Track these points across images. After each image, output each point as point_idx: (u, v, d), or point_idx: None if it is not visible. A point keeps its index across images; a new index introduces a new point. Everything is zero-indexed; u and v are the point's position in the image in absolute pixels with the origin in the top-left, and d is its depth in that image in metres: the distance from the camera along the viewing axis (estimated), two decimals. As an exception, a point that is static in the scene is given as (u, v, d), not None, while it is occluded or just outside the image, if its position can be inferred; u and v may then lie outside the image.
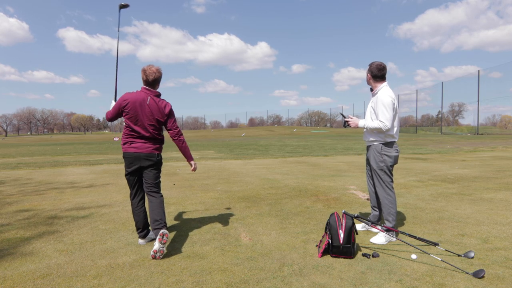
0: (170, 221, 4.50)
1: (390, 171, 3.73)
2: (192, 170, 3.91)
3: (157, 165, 3.68)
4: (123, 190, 6.63)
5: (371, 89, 3.81)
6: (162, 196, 3.70)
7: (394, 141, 3.72)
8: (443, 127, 45.46)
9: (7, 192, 6.76)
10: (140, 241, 3.63)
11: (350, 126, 3.76)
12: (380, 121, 3.56)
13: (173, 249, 3.47)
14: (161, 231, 3.29)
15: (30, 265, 3.08)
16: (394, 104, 3.58)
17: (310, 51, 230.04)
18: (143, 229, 3.65)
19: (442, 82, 42.76)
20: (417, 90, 49.03)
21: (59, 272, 2.94)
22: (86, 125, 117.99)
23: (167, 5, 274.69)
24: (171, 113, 3.66)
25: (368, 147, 3.85)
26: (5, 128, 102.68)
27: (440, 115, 48.58)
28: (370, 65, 3.75)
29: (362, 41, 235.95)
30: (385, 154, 3.66)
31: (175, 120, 3.72)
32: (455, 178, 7.61)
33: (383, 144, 3.67)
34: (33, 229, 4.17)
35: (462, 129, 45.85)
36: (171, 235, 3.92)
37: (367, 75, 3.77)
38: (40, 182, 8.04)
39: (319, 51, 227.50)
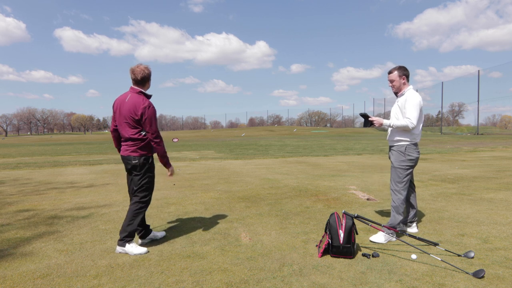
0: (170, 221, 4.51)
1: (410, 172, 3.74)
2: (169, 175, 3.83)
3: (137, 169, 3.46)
4: (123, 190, 6.63)
5: (396, 93, 3.84)
6: (141, 203, 3.49)
7: (417, 142, 3.77)
8: (443, 127, 45.48)
9: (7, 192, 6.76)
10: (140, 241, 3.63)
11: (374, 126, 3.76)
12: (407, 118, 3.59)
13: (173, 249, 3.47)
14: (117, 249, 3.35)
15: (30, 265, 3.08)
16: (421, 105, 3.66)
17: (309, 50, 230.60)
18: (140, 230, 3.64)
19: (442, 82, 42.88)
20: (417, 90, 48.96)
21: (59, 272, 2.94)
22: (86, 125, 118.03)
23: (164, 4, 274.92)
24: (145, 112, 3.36)
25: (391, 147, 3.85)
26: (5, 128, 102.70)
27: (440, 115, 48.61)
28: (399, 68, 3.75)
29: (361, 41, 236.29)
30: (408, 155, 3.69)
31: (152, 121, 3.41)
32: (455, 178, 7.61)
33: (407, 145, 3.69)
34: (33, 229, 4.17)
35: (462, 129, 45.90)
36: (171, 234, 3.92)
37: (402, 78, 3.73)
38: (40, 182, 8.04)
39: (318, 51, 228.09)
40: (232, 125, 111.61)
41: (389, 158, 3.94)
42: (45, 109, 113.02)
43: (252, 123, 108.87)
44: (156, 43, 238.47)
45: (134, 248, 3.34)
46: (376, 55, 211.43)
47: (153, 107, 3.47)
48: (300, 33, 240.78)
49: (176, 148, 21.46)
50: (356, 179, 7.64)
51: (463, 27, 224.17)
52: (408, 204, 3.96)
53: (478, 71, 36.45)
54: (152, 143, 3.49)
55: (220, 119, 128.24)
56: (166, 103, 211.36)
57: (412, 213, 3.98)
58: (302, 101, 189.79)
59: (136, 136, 3.43)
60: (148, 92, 3.60)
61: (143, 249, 3.37)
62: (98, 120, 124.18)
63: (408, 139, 3.69)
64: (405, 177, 3.73)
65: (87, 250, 3.44)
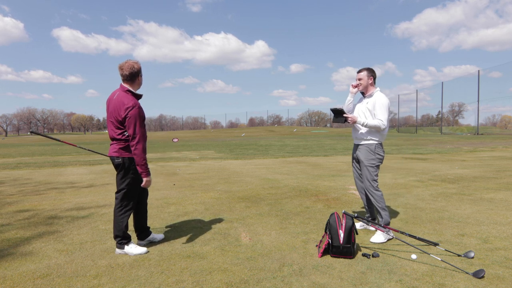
0: (170, 221, 4.51)
1: (378, 170, 3.88)
2: (142, 185, 3.39)
3: (119, 169, 3.38)
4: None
5: (363, 93, 3.97)
6: (123, 206, 3.39)
7: (382, 143, 3.92)
8: (443, 127, 45.50)
9: (7, 192, 6.76)
10: (139, 242, 3.63)
11: (349, 122, 3.82)
12: (379, 119, 3.73)
13: (173, 249, 3.47)
14: (116, 251, 3.34)
15: (30, 265, 3.08)
16: (389, 107, 3.83)
17: (309, 50, 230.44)
18: (139, 232, 3.64)
19: (442, 82, 42.90)
20: (417, 90, 49.12)
21: (59, 272, 2.94)
22: (86, 125, 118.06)
23: (162, 3, 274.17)
24: (128, 112, 3.19)
25: (358, 146, 3.94)
26: (5, 128, 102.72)
27: (440, 115, 48.65)
28: (369, 69, 3.91)
29: (360, 41, 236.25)
30: (377, 153, 3.83)
31: (132, 124, 3.19)
32: (455, 178, 7.61)
33: (376, 144, 3.83)
34: (33, 229, 4.17)
35: (462, 129, 45.93)
36: (172, 234, 3.92)
37: (370, 78, 3.89)
38: (40, 182, 8.04)
39: (318, 51, 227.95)
40: (232, 125, 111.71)
41: (355, 157, 4.03)
42: (45, 109, 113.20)
43: (252, 123, 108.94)
44: (154, 43, 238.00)
45: (133, 248, 3.34)
46: (376, 55, 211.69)
47: (138, 108, 3.25)
48: (300, 33, 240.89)
49: (176, 148, 21.46)
50: (356, 179, 7.63)
51: (462, 27, 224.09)
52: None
53: (478, 71, 36.45)
54: (131, 147, 3.26)
55: (220, 119, 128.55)
56: (166, 103, 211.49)
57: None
58: (301, 101, 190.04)
59: (119, 136, 3.29)
60: (143, 90, 3.49)
61: (143, 249, 3.37)
62: (98, 120, 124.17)
63: (377, 139, 3.84)
64: (377, 175, 3.86)
65: (87, 250, 3.44)
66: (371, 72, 3.91)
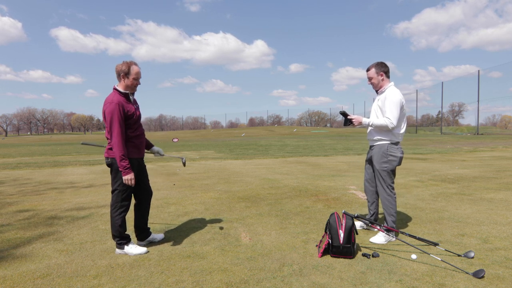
0: (170, 221, 4.51)
1: (394, 173, 3.72)
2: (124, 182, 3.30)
3: (110, 169, 3.38)
4: (123, 190, 6.62)
5: (376, 90, 3.78)
6: (117, 207, 3.35)
7: (399, 142, 3.70)
8: (443, 127, 45.51)
9: (7, 192, 6.76)
10: (139, 242, 3.62)
11: (354, 125, 3.72)
12: (386, 117, 3.53)
13: (173, 249, 3.47)
14: (116, 251, 3.34)
15: (30, 265, 3.08)
16: (402, 103, 3.58)
17: (308, 50, 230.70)
18: (139, 232, 3.65)
19: (442, 82, 42.91)
20: (417, 90, 49.12)
21: (59, 272, 2.94)
22: (86, 125, 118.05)
23: (160, 3, 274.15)
24: (105, 109, 3.23)
25: (372, 147, 3.81)
26: (5, 128, 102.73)
27: (440, 115, 48.67)
28: (376, 65, 3.69)
29: (359, 41, 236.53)
30: (391, 155, 3.64)
31: (108, 120, 3.20)
32: (455, 178, 7.61)
33: (389, 144, 3.64)
34: (33, 229, 4.17)
35: (462, 129, 45.94)
36: (171, 234, 3.92)
37: (379, 74, 3.67)
38: (40, 182, 8.04)
39: (317, 51, 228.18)
40: (232, 125, 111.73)
41: (368, 158, 3.88)
42: (45, 109, 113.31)
43: (252, 123, 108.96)
44: (153, 42, 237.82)
45: (133, 248, 3.34)
46: (375, 54, 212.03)
47: (115, 104, 3.19)
48: (299, 33, 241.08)
49: (176, 148, 21.45)
50: (356, 179, 7.63)
51: (462, 27, 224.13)
52: (376, 198, 3.94)
53: (478, 71, 36.46)
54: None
55: (220, 119, 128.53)
56: (165, 103, 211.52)
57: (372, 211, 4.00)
58: (301, 101, 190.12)
59: (108, 136, 3.30)
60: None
61: (143, 249, 3.37)
62: (98, 120, 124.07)
63: (389, 139, 3.63)
64: (393, 180, 3.70)
65: (87, 250, 3.44)
66: (380, 67, 3.67)
